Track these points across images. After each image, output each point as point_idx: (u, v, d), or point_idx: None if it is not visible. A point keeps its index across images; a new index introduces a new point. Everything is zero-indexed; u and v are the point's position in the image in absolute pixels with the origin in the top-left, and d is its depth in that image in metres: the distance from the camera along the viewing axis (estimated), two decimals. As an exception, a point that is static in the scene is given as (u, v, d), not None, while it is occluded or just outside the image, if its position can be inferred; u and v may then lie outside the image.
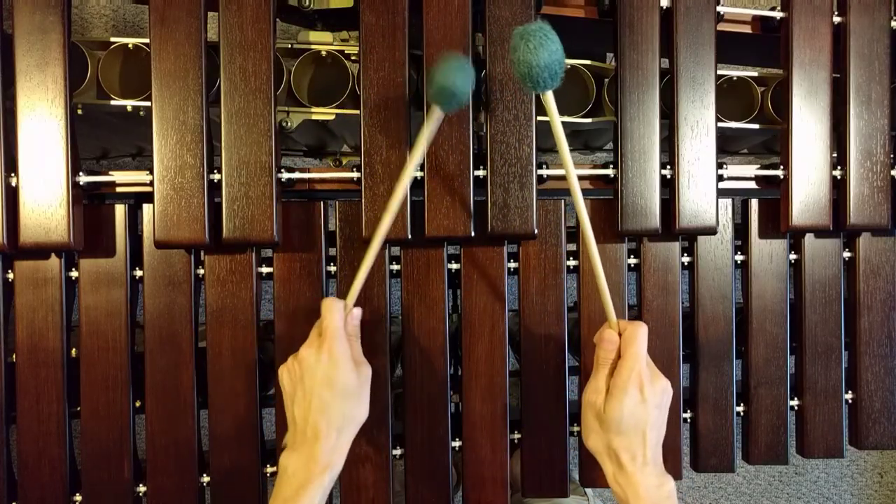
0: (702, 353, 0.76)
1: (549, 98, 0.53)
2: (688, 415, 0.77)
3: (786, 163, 0.74)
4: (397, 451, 0.73)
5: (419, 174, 0.69)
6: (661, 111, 0.71)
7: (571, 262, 0.74)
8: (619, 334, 0.60)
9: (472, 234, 0.69)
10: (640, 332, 0.59)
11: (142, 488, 0.72)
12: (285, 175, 0.69)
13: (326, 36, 0.81)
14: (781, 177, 0.74)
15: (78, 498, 0.72)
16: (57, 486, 0.71)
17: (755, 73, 0.84)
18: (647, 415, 0.57)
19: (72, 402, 0.71)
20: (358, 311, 0.63)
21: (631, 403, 0.57)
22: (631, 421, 0.57)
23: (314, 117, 0.79)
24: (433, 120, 0.58)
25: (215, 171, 0.68)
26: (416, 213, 0.69)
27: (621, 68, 0.71)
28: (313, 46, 0.79)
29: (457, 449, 0.74)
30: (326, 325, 0.59)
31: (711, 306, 0.76)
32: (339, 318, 0.59)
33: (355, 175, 0.70)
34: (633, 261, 0.75)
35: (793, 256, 0.77)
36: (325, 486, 0.58)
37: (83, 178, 0.68)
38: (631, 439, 0.57)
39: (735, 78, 0.84)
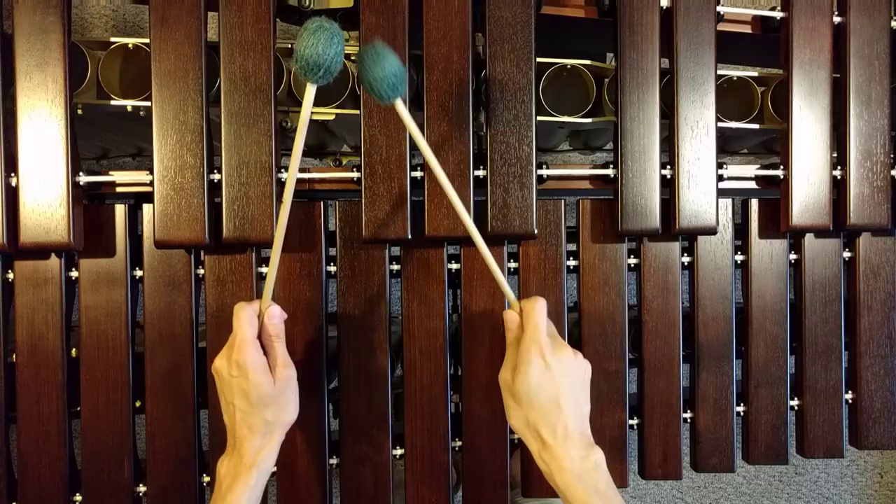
0: (702, 353, 0.76)
1: (399, 105, 0.54)
2: (688, 415, 0.77)
3: (786, 163, 0.74)
4: (397, 451, 0.73)
5: (419, 174, 0.69)
6: (661, 111, 0.71)
7: (571, 262, 0.74)
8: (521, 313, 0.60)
9: (472, 234, 0.69)
10: (537, 307, 0.59)
11: (142, 488, 0.72)
12: (285, 175, 0.69)
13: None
14: (781, 177, 0.74)
15: (78, 498, 0.72)
16: (57, 486, 0.71)
17: (755, 73, 0.84)
18: (557, 384, 0.57)
19: (72, 402, 0.71)
20: (276, 311, 0.60)
21: (536, 373, 0.57)
22: (541, 392, 0.57)
23: (314, 117, 0.79)
24: (307, 96, 0.54)
25: (215, 171, 0.68)
26: (416, 213, 0.69)
27: (621, 68, 0.71)
28: (313, 46, 0.79)
29: (457, 449, 0.74)
30: (234, 333, 0.58)
31: (711, 306, 0.76)
32: (249, 325, 0.58)
33: (355, 175, 0.70)
34: (633, 261, 0.75)
35: (793, 256, 0.77)
36: (253, 484, 0.58)
37: (83, 178, 0.68)
38: (546, 411, 0.57)
39: (735, 78, 0.84)
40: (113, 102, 0.75)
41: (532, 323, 0.58)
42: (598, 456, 0.57)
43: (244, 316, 0.58)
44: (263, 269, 0.72)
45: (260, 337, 0.59)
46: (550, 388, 0.57)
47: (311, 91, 0.53)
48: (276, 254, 0.58)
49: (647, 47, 0.71)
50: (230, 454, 0.60)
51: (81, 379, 0.71)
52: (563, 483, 0.56)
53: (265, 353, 0.59)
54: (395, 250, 0.74)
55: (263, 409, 0.58)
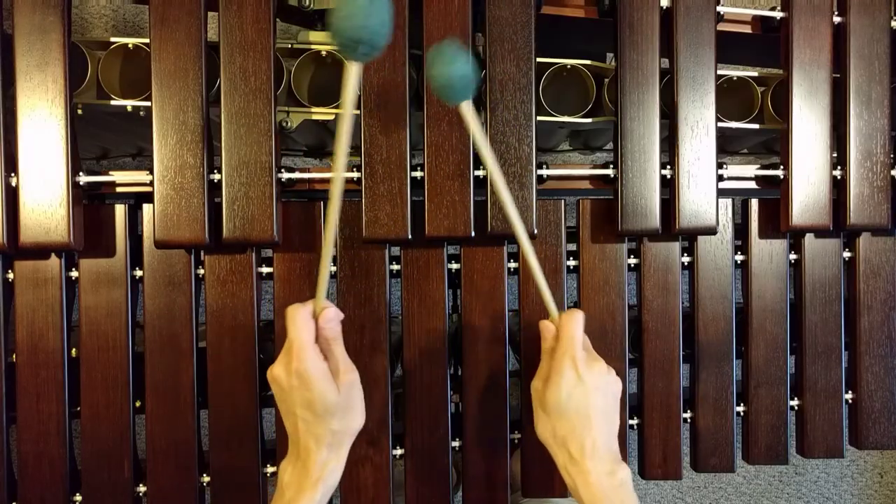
0: (702, 353, 0.76)
1: (466, 107, 0.53)
2: (688, 415, 0.77)
3: (786, 163, 0.73)
4: (397, 451, 0.73)
5: (419, 174, 0.69)
6: (661, 111, 0.71)
7: (571, 262, 0.74)
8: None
9: (472, 234, 0.69)
10: (573, 319, 0.58)
11: (142, 488, 0.72)
12: (285, 175, 0.69)
13: (326, 36, 0.81)
14: (781, 177, 0.74)
15: (78, 498, 0.72)
16: (57, 486, 0.71)
17: (755, 73, 0.84)
18: (588, 397, 0.56)
19: (72, 402, 0.71)
20: (331, 312, 0.55)
21: (568, 385, 0.56)
22: (571, 403, 0.56)
23: (314, 117, 0.79)
24: (351, 76, 0.49)
25: (215, 171, 0.68)
26: (416, 213, 0.69)
27: (621, 68, 0.71)
28: (313, 46, 0.79)
29: (457, 449, 0.74)
30: (291, 340, 0.53)
31: (711, 306, 0.76)
32: (306, 329, 0.53)
33: (355, 175, 0.70)
34: (633, 261, 0.75)
35: (793, 256, 0.77)
36: (318, 499, 0.55)
37: (83, 178, 0.68)
38: (575, 423, 0.57)
39: (735, 78, 0.84)
40: (113, 102, 0.75)
41: (568, 335, 0.58)
42: (625, 473, 0.57)
43: (300, 319, 0.53)
44: (263, 269, 0.72)
45: (316, 341, 0.55)
46: (581, 401, 0.56)
47: (353, 71, 0.48)
48: (327, 252, 0.55)
49: (647, 47, 0.71)
50: (293, 462, 0.57)
51: (81, 379, 0.71)
52: (589, 498, 0.56)
53: (324, 357, 0.55)
54: (395, 250, 0.74)
55: (329, 418, 0.54)
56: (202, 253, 0.71)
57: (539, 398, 0.59)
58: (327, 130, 0.94)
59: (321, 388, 0.53)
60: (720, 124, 0.74)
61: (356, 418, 0.57)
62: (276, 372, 0.55)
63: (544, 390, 0.58)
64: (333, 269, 0.72)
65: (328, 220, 0.54)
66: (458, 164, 0.69)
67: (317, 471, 0.56)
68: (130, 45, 0.75)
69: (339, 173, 0.52)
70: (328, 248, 0.55)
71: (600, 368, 0.59)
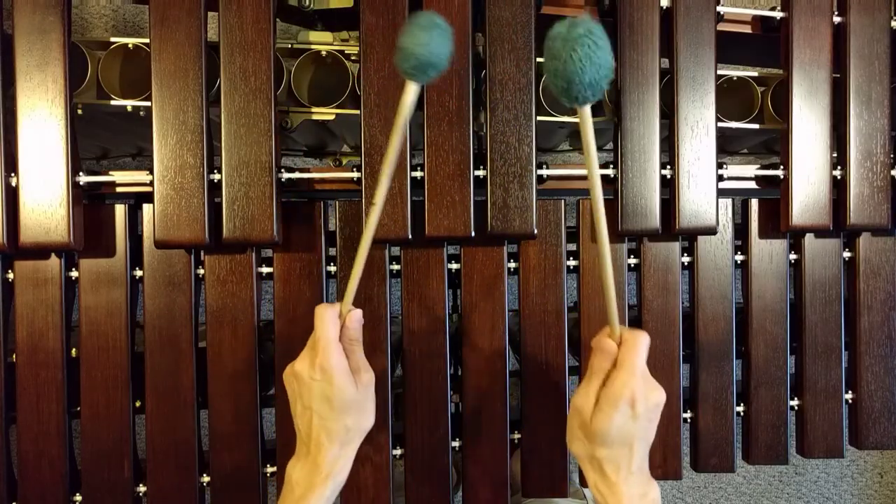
0: (702, 353, 0.76)
1: (586, 112, 0.48)
2: (688, 415, 0.77)
3: (786, 163, 0.74)
4: (397, 451, 0.73)
5: (419, 174, 0.69)
6: (661, 111, 0.71)
7: (571, 262, 0.74)
8: (619, 344, 0.55)
9: (472, 234, 0.69)
10: (639, 343, 0.54)
11: (142, 488, 0.72)
12: (285, 175, 0.69)
13: (326, 36, 0.82)
14: (781, 177, 0.74)
15: (78, 498, 0.72)
16: (57, 486, 0.71)
17: (755, 73, 0.84)
18: (637, 429, 0.54)
19: (72, 402, 0.71)
20: (357, 314, 0.58)
21: (620, 419, 0.53)
22: (618, 436, 0.54)
23: (314, 117, 0.79)
24: (410, 95, 0.49)
25: (215, 171, 0.68)
26: (416, 213, 0.69)
27: (621, 68, 0.71)
28: (313, 46, 0.80)
29: (457, 449, 0.74)
30: (318, 336, 0.56)
31: (711, 306, 0.76)
32: (332, 327, 0.56)
33: (355, 175, 0.70)
34: (633, 261, 0.75)
35: (793, 256, 0.77)
36: (328, 496, 0.57)
37: (83, 178, 0.68)
38: (617, 452, 0.54)
39: (735, 78, 0.84)
40: (113, 102, 0.75)
41: (630, 363, 0.54)
42: (656, 494, 0.56)
43: (328, 318, 0.56)
44: (263, 269, 0.72)
45: (339, 340, 0.57)
46: (629, 433, 0.54)
47: (413, 91, 0.49)
48: (361, 257, 0.56)
49: (647, 47, 0.71)
50: (302, 460, 0.58)
51: (81, 379, 0.71)
52: None
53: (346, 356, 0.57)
54: (395, 250, 0.74)
55: (345, 414, 0.56)
56: (202, 253, 0.71)
57: (582, 421, 0.55)
58: (327, 130, 0.94)
59: (341, 383, 0.55)
60: (720, 124, 0.75)
61: (368, 418, 0.59)
62: (299, 367, 0.57)
63: (592, 417, 0.54)
64: (333, 269, 0.72)
65: (368, 225, 0.55)
66: (458, 164, 0.69)
67: (327, 466, 0.57)
68: (130, 45, 0.75)
69: (385, 179, 0.52)
70: (363, 252, 0.56)
71: (657, 398, 0.54)
